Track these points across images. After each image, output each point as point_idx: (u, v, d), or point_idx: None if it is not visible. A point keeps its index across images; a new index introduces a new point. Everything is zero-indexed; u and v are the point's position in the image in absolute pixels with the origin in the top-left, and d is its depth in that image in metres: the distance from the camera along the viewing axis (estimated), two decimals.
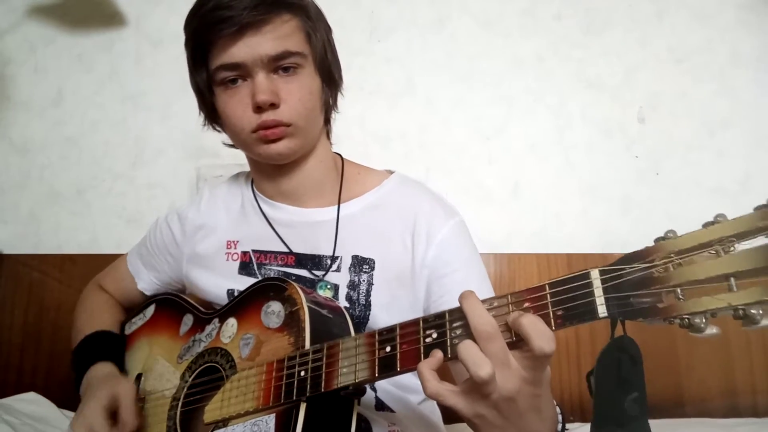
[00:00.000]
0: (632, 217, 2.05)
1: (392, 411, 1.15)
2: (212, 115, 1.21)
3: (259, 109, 1.08)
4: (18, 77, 2.33)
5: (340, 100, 1.27)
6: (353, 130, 2.13)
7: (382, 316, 1.12)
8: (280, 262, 1.20)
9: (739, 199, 1.99)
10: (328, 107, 1.24)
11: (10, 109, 2.31)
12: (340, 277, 1.16)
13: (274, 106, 1.08)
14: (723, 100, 2.05)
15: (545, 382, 0.75)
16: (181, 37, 1.16)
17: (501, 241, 2.06)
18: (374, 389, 1.14)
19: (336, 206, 1.22)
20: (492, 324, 0.70)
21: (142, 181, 2.25)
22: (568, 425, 1.79)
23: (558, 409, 0.84)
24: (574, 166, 2.09)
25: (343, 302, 1.13)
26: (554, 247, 2.04)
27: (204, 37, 1.08)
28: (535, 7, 2.16)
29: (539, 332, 0.67)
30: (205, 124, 1.26)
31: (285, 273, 1.19)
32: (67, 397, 1.88)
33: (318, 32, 1.16)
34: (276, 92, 1.08)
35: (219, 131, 1.26)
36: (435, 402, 1.27)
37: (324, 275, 1.16)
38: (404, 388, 1.18)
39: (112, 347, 1.29)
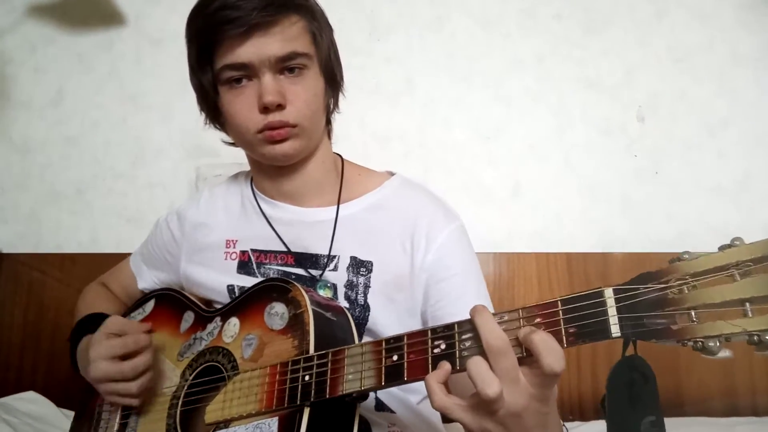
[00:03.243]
0: (632, 217, 2.05)
1: (392, 411, 1.14)
2: (214, 114, 1.21)
3: (265, 109, 1.08)
4: (18, 77, 2.33)
5: (340, 100, 1.27)
6: (353, 129, 2.13)
7: (380, 319, 1.12)
8: (279, 262, 1.20)
9: (739, 198, 2.00)
10: (330, 108, 1.24)
11: (10, 109, 2.31)
12: (338, 277, 1.15)
13: (280, 107, 1.08)
14: (722, 100, 2.06)
15: (552, 399, 0.75)
16: (182, 37, 1.16)
17: (501, 240, 2.07)
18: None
19: (335, 206, 1.22)
20: (504, 339, 0.70)
21: (142, 181, 2.25)
22: (568, 424, 1.80)
23: (565, 429, 0.84)
24: (573, 165, 2.10)
25: (342, 302, 1.13)
26: (554, 246, 2.04)
27: (210, 36, 1.07)
28: (534, 7, 2.16)
29: (550, 350, 0.67)
30: (206, 123, 1.25)
31: (284, 272, 1.19)
32: (67, 397, 1.88)
33: (324, 33, 1.16)
34: (282, 93, 1.08)
35: (219, 129, 1.26)
36: None
37: (321, 274, 1.16)
38: (404, 389, 1.17)
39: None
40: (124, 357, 1.07)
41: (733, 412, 1.84)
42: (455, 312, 0.75)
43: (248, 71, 1.08)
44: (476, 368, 0.69)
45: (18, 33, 2.33)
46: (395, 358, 0.79)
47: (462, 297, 1.11)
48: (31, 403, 1.82)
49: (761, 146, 2.03)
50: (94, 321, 1.27)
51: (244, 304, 1.08)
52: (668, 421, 1.76)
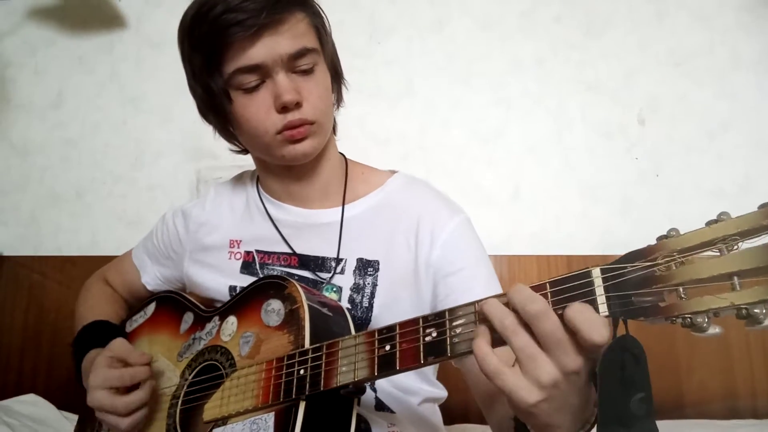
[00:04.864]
0: (632, 219, 2.05)
1: (392, 411, 1.14)
2: (221, 120, 1.19)
3: (284, 109, 1.07)
4: (18, 79, 2.34)
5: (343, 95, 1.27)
6: (353, 131, 2.13)
7: (384, 317, 1.11)
8: (283, 263, 1.19)
9: (739, 201, 1.99)
10: (336, 103, 1.24)
11: (10, 111, 2.32)
12: (344, 280, 1.15)
13: (298, 105, 1.07)
14: (723, 103, 2.06)
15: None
16: None
17: (501, 242, 2.07)
18: (374, 390, 1.13)
19: (340, 207, 1.22)
20: (542, 300, 0.66)
21: (142, 183, 2.26)
22: None
23: None
24: (573, 167, 2.10)
25: (345, 304, 1.12)
26: (554, 248, 2.04)
27: (217, 41, 1.05)
28: (534, 9, 2.16)
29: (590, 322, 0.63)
30: (216, 133, 1.24)
31: (288, 274, 1.18)
32: (67, 399, 1.88)
33: (326, 27, 1.16)
34: (298, 91, 1.07)
35: (228, 139, 1.25)
36: (435, 403, 1.27)
37: (331, 278, 1.15)
38: (405, 390, 1.17)
39: (109, 335, 1.28)
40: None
41: (734, 415, 1.83)
42: None
43: (261, 72, 1.06)
44: (582, 315, 0.63)
45: (18, 35, 2.34)
46: (388, 347, 0.79)
47: (471, 289, 1.10)
48: (31, 405, 1.82)
49: (761, 149, 2.03)
50: (98, 330, 1.28)
51: (242, 302, 1.08)
52: (669, 423, 1.76)
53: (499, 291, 1.12)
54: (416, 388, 1.19)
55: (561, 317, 0.66)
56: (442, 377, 1.30)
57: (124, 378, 1.04)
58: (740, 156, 2.03)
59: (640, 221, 2.05)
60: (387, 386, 1.15)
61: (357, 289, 1.13)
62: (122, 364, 1.07)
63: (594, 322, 0.63)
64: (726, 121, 2.05)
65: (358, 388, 0.87)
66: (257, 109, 1.09)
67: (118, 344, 1.10)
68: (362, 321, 1.12)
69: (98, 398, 1.03)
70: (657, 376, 0.65)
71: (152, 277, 1.40)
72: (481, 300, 0.72)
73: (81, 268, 2.12)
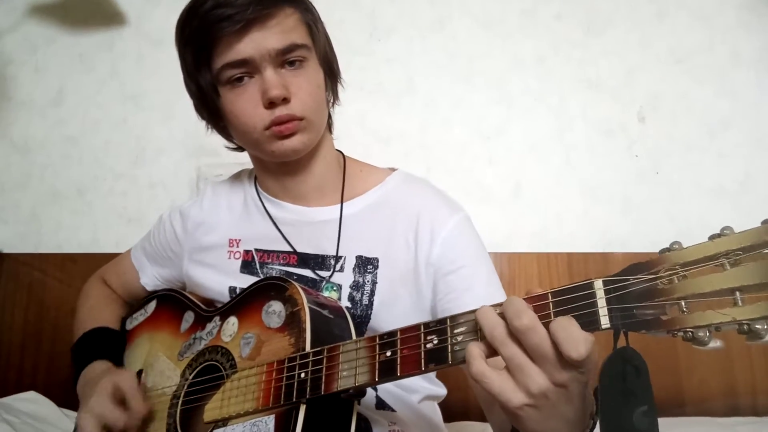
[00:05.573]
0: (633, 217, 2.05)
1: (393, 410, 1.14)
2: (215, 118, 1.19)
3: (271, 104, 1.06)
4: (19, 77, 2.33)
5: (340, 94, 1.27)
6: (354, 129, 2.13)
7: (383, 315, 1.12)
8: (282, 262, 1.19)
9: (739, 199, 2.00)
10: (330, 101, 1.24)
11: (11, 109, 2.31)
12: (343, 278, 1.15)
13: (285, 100, 1.07)
14: (723, 101, 2.06)
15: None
16: None
17: (501, 240, 2.06)
18: (375, 389, 1.13)
19: (339, 205, 1.22)
20: (530, 315, 0.66)
21: (143, 181, 2.25)
22: None
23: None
24: (574, 165, 2.09)
25: (345, 302, 1.12)
26: (555, 246, 2.04)
27: (206, 36, 1.06)
28: (535, 8, 2.16)
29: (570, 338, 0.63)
30: (209, 129, 1.25)
31: (287, 272, 1.18)
32: (68, 397, 1.88)
33: (318, 25, 1.16)
34: (286, 86, 1.07)
35: (221, 134, 1.25)
36: (435, 401, 1.28)
37: (330, 276, 1.15)
38: (405, 388, 1.18)
39: (110, 345, 1.28)
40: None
41: (734, 412, 1.83)
42: (464, 304, 0.73)
43: (249, 67, 1.07)
44: (565, 329, 0.64)
45: (19, 33, 2.34)
46: (389, 353, 0.79)
47: (471, 287, 1.11)
48: (31, 403, 1.82)
49: (762, 147, 2.03)
50: (99, 337, 1.29)
51: (243, 303, 1.08)
52: (669, 421, 1.76)
53: (500, 289, 1.13)
54: (416, 386, 1.20)
55: None
56: (441, 375, 1.30)
57: (119, 424, 1.04)
58: (741, 154, 2.03)
59: (641, 219, 2.05)
60: (387, 385, 1.15)
61: (357, 286, 1.14)
62: (122, 406, 1.07)
63: (573, 337, 0.63)
64: (726, 119, 2.05)
65: (358, 392, 0.87)
66: (245, 105, 1.09)
67: (127, 380, 1.10)
68: (362, 319, 1.12)
69: (89, 427, 1.03)
70: (657, 374, 0.65)
71: (151, 278, 1.40)
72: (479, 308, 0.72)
73: (82, 266, 2.12)
